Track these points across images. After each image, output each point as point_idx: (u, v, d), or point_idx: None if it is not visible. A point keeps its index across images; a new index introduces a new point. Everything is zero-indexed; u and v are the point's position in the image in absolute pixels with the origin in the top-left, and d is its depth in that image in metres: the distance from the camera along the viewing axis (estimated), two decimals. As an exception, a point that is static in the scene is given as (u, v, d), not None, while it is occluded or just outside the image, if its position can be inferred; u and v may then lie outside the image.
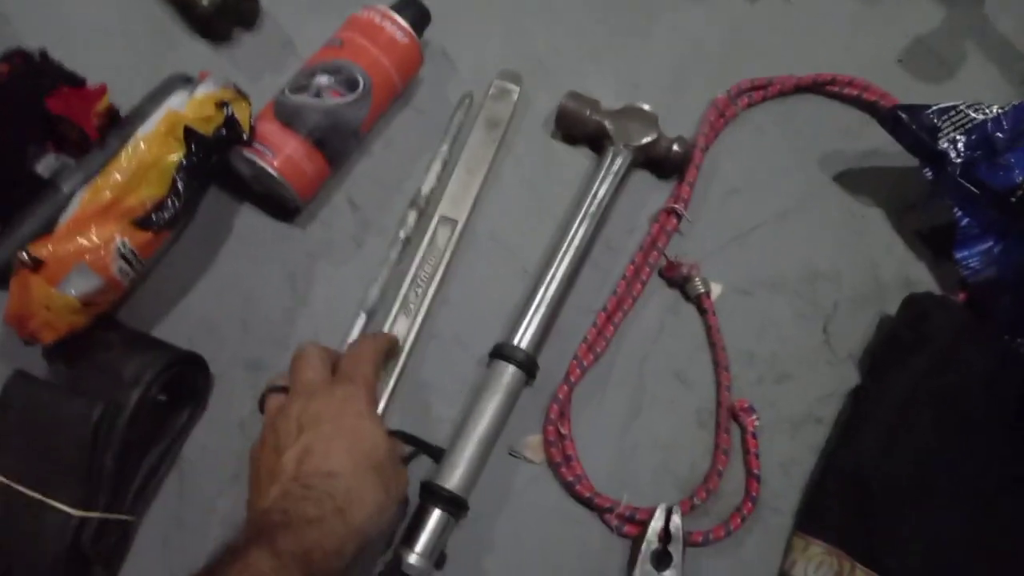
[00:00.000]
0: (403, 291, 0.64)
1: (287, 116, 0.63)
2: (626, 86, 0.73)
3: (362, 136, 0.68)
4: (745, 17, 0.77)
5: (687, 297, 0.65)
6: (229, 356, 0.59)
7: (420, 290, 0.65)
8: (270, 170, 0.60)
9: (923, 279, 0.66)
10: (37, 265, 0.49)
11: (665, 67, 0.75)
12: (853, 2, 0.78)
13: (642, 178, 0.70)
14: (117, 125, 0.60)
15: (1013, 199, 0.58)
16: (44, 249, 0.49)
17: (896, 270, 0.67)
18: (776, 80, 0.72)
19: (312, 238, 0.65)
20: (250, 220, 0.64)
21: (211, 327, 0.60)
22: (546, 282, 0.62)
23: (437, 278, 0.65)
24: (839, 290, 0.66)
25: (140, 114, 0.60)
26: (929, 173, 0.62)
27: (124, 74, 0.64)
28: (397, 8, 0.69)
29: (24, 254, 0.49)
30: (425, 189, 0.68)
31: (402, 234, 0.66)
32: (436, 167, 0.69)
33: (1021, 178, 0.58)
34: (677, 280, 0.65)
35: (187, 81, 0.62)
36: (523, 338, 0.60)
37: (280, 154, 0.61)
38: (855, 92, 0.71)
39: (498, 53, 0.74)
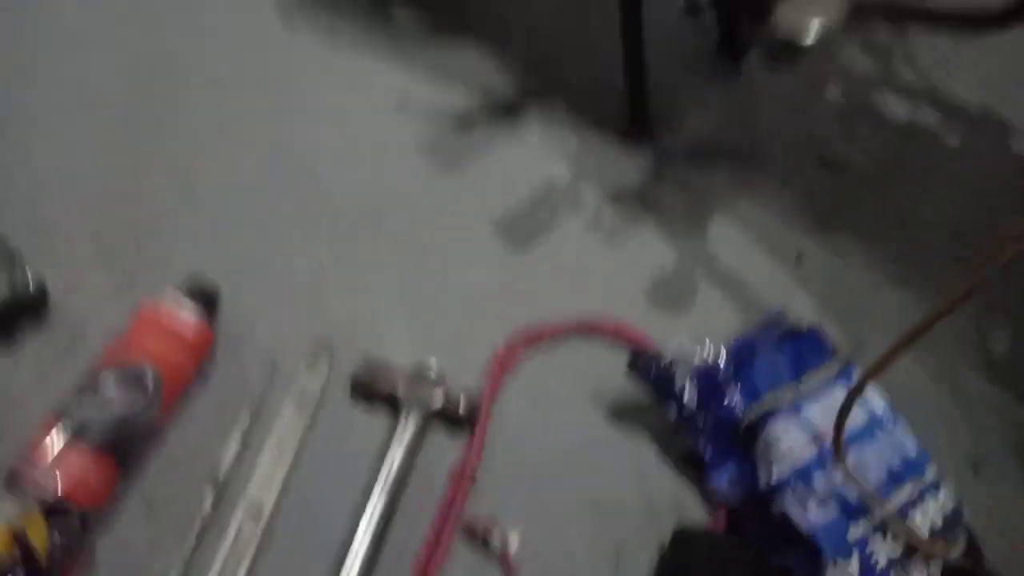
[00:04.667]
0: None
1: (72, 427, 0.63)
2: (419, 343, 0.80)
3: (157, 431, 0.69)
4: (514, 270, 0.88)
5: (489, 553, 0.69)
6: None
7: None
8: (54, 496, 0.59)
9: (692, 501, 0.75)
10: None
11: (451, 323, 0.83)
12: (602, 249, 0.91)
13: (438, 436, 0.75)
14: None
15: (739, 430, 0.69)
16: None
17: (669, 494, 0.75)
18: (548, 327, 0.82)
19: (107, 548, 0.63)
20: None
21: None
22: (348, 564, 0.64)
23: (243, 571, 0.65)
24: (624, 519, 0.73)
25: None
26: (672, 412, 0.72)
27: None
28: (186, 293, 0.73)
29: None
30: (224, 471, 0.69)
31: (199, 524, 0.66)
32: (235, 446, 0.71)
33: (743, 412, 0.69)
34: (477, 538, 0.69)
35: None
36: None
37: (65, 473, 0.61)
38: (615, 333, 0.83)
39: (297, 320, 0.79)
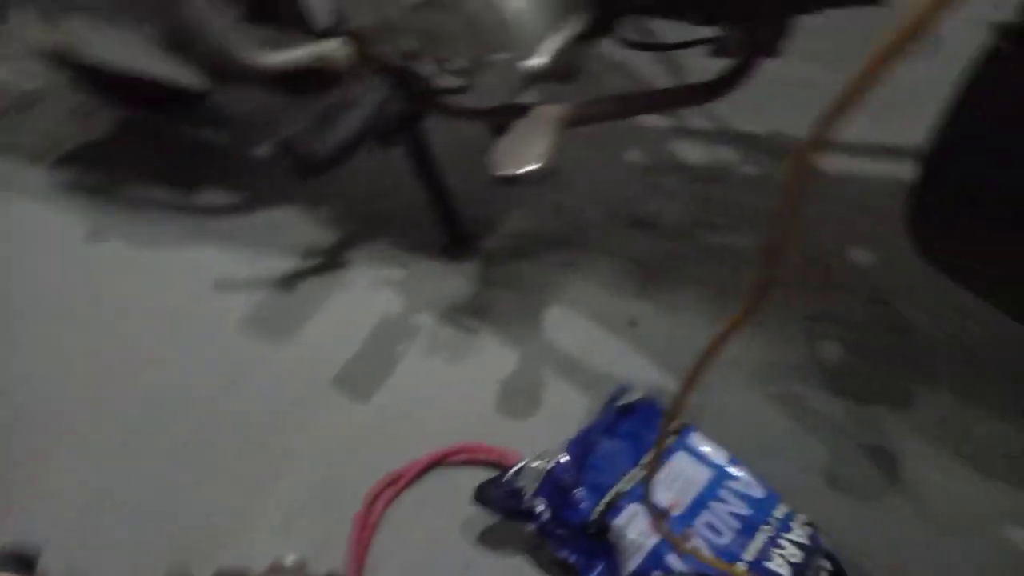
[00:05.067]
0: None
1: None
2: (278, 533, 0.80)
3: None
4: (361, 421, 0.89)
5: None
6: None
7: None
8: None
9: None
10: None
11: (306, 499, 0.82)
12: (443, 373, 0.93)
13: (313, 618, 0.74)
14: None
15: (591, 531, 0.70)
16: None
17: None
18: (403, 470, 0.82)
19: None
20: None
21: None
22: None
23: None
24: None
25: None
26: (529, 527, 0.73)
27: None
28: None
29: None
30: None
31: None
32: None
33: (589, 511, 0.71)
34: None
35: None
36: None
37: None
38: (469, 456, 0.84)
39: (148, 546, 0.77)
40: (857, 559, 0.72)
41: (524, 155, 0.68)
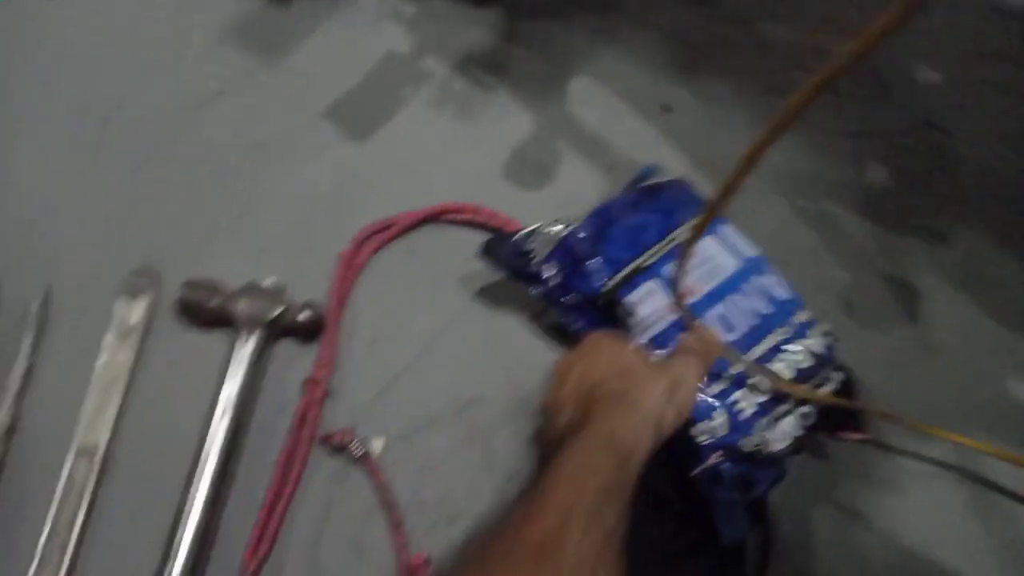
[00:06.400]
0: (41, 542, 0.58)
1: None
2: (252, 257, 0.73)
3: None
4: (353, 160, 0.80)
5: (352, 461, 0.65)
6: None
7: (60, 539, 0.59)
8: None
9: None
10: None
11: (286, 229, 0.75)
12: (450, 127, 0.83)
13: (286, 348, 0.69)
14: None
15: (600, 302, 0.65)
16: None
17: (537, 377, 0.71)
18: (397, 219, 0.75)
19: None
20: None
21: None
22: (192, 497, 0.59)
23: (79, 521, 0.60)
24: (491, 412, 0.69)
25: None
26: (534, 291, 0.67)
27: None
28: None
29: None
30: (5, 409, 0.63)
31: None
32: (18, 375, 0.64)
33: (602, 283, 0.65)
34: (336, 449, 0.65)
35: None
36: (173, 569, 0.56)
37: None
38: (469, 216, 0.76)
39: (111, 250, 0.70)
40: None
41: None
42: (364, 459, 0.64)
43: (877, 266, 0.78)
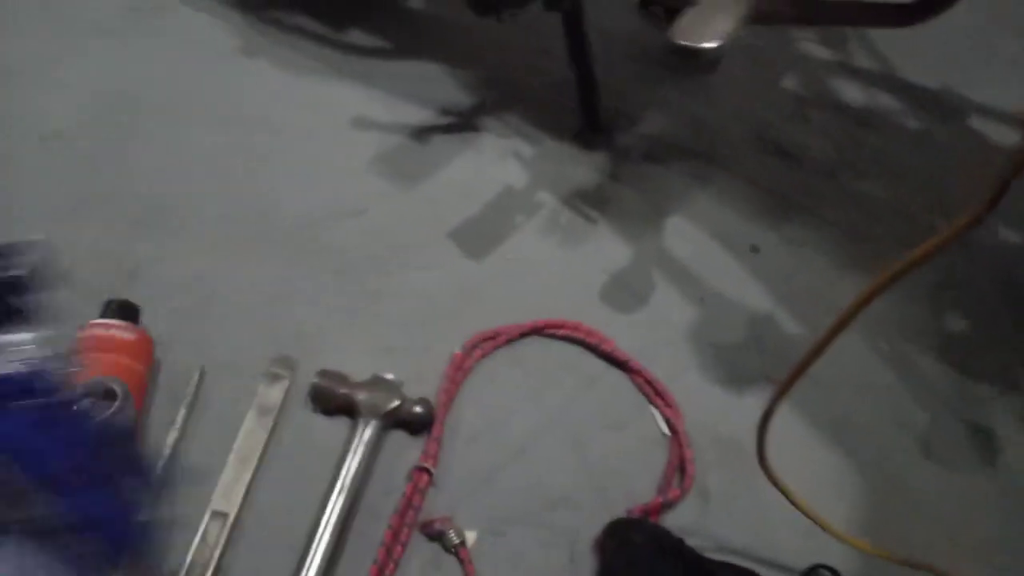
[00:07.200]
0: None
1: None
2: (378, 355, 0.83)
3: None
4: (470, 274, 0.91)
5: (447, 549, 0.71)
6: None
7: (190, 595, 0.67)
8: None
9: (643, 485, 0.77)
10: None
11: (407, 330, 0.85)
12: (556, 252, 0.94)
13: (396, 439, 0.78)
14: None
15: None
16: None
17: (621, 486, 0.76)
18: (504, 329, 0.84)
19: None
20: None
21: None
22: (308, 564, 0.67)
23: (211, 570, 0.68)
24: (578, 514, 0.74)
25: None
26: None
27: None
28: (106, 313, 0.76)
29: None
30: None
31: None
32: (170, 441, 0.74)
33: None
34: (434, 535, 0.71)
35: None
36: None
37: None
38: (568, 332, 0.85)
39: (257, 338, 0.82)
40: (933, 526, 0.71)
41: (707, 30, 0.65)
42: (459, 548, 0.70)
43: (956, 411, 0.81)
